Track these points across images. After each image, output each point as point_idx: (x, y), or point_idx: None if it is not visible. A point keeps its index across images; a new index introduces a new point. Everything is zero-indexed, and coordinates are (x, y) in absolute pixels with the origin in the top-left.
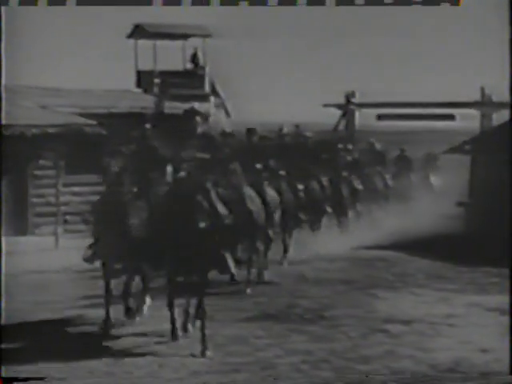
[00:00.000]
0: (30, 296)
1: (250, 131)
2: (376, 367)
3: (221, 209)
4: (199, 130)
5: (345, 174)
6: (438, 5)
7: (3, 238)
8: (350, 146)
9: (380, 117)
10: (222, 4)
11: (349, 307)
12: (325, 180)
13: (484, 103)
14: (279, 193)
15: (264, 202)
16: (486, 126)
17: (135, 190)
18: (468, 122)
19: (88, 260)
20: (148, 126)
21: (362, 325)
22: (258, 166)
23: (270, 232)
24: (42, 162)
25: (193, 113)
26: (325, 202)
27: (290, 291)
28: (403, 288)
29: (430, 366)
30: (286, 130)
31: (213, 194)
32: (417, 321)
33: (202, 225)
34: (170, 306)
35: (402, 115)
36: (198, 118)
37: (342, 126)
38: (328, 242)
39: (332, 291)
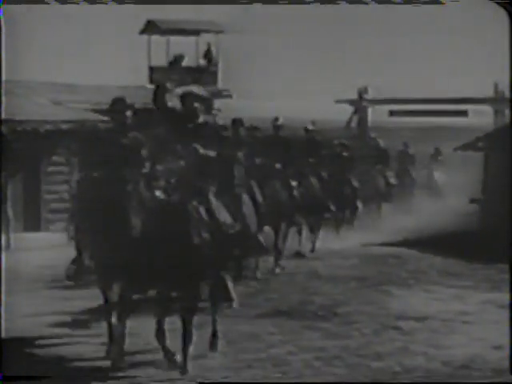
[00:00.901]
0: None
1: (236, 122)
2: (389, 364)
3: (223, 216)
4: (200, 119)
5: (342, 170)
6: (442, 3)
7: (16, 235)
8: (345, 141)
9: (392, 113)
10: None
11: (362, 304)
12: (324, 176)
13: (497, 99)
14: (271, 191)
15: (255, 203)
16: (499, 122)
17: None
18: (481, 118)
19: (72, 278)
20: (129, 113)
21: (375, 322)
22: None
23: (261, 238)
24: (55, 158)
25: (192, 97)
26: (324, 201)
27: (302, 288)
28: (416, 285)
29: (443, 362)
30: (281, 121)
31: (213, 199)
32: (430, 318)
33: (197, 241)
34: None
35: (414, 111)
36: (198, 105)
37: (354, 123)
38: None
39: (345, 288)
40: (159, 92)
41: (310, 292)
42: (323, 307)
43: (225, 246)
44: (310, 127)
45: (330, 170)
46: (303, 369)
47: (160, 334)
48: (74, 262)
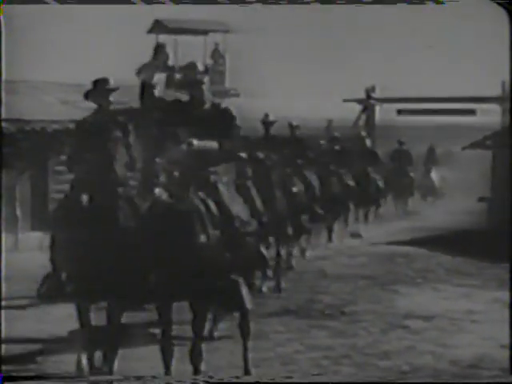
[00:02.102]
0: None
1: None
2: (397, 363)
3: (239, 211)
4: (207, 104)
5: (332, 167)
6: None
7: (23, 234)
8: (336, 134)
9: (400, 112)
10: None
11: (369, 303)
12: (313, 178)
13: (505, 98)
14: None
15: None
16: (506, 121)
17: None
18: (489, 116)
19: (45, 297)
20: (112, 98)
21: (383, 320)
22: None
23: (263, 250)
24: (63, 157)
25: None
26: (314, 204)
27: (309, 286)
28: (424, 284)
29: (451, 362)
30: (272, 118)
31: (223, 190)
32: (438, 316)
33: (204, 238)
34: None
35: (422, 110)
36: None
37: (362, 122)
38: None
39: (352, 287)
40: (146, 90)
41: (318, 291)
42: (331, 306)
43: (235, 246)
44: (295, 123)
45: (319, 167)
46: (311, 368)
47: (166, 345)
48: (47, 278)
